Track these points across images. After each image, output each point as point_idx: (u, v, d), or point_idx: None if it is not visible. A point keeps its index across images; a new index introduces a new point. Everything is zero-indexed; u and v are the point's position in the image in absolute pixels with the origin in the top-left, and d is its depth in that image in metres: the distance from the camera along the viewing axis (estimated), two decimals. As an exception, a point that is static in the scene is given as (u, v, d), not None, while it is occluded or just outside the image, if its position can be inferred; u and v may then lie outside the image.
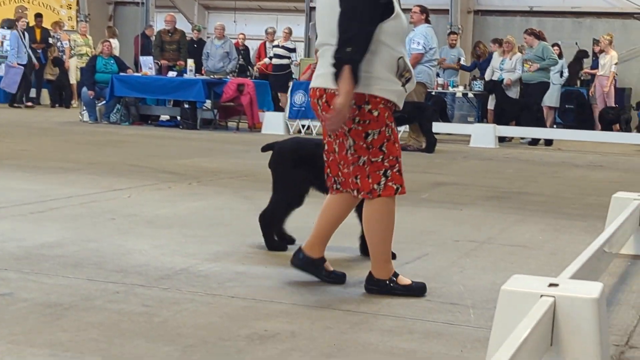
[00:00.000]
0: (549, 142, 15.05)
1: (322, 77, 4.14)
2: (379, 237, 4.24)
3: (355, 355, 3.26)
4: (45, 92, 21.12)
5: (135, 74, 16.49)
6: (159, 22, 20.96)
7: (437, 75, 15.51)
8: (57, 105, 20.59)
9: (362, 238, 4.92)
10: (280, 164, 5.21)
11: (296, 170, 5.11)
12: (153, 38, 18.77)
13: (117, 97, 15.85)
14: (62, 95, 20.75)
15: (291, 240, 5.29)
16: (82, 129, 14.63)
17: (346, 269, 4.61)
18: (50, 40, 20.78)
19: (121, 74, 16.07)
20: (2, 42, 20.72)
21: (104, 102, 16.03)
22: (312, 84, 4.28)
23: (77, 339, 3.29)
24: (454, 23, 20.87)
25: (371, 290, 4.22)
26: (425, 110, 12.46)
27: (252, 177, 8.82)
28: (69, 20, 24.15)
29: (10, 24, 20.53)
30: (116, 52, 17.55)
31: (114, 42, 17.80)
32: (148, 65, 16.38)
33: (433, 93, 15.48)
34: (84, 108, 16.40)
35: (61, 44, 20.64)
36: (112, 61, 16.29)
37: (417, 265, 4.94)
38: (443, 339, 3.52)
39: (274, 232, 5.24)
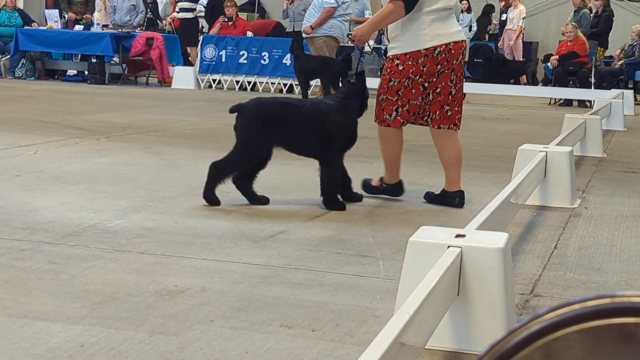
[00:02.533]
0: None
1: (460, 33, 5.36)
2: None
3: (266, 308, 3.26)
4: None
5: (41, 27, 16.03)
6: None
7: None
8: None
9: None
10: (245, 126, 5.16)
11: (260, 132, 5.10)
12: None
13: (22, 52, 15.42)
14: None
15: (265, 200, 5.28)
16: (-15, 84, 14.21)
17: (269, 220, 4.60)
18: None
19: (26, 27, 15.62)
20: None
21: (8, 56, 15.58)
22: (457, 38, 5.27)
23: (-19, 298, 3.22)
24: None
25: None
26: (333, 65, 12.46)
27: (162, 133, 8.72)
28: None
29: None
30: (20, 5, 17.04)
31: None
32: (54, 18, 15.96)
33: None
34: (-12, 62, 15.93)
35: None
36: (16, 14, 15.82)
37: (328, 217, 4.97)
38: (353, 291, 3.55)
39: (216, 184, 5.19)
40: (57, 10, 16.47)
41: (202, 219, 4.77)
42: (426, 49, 5.20)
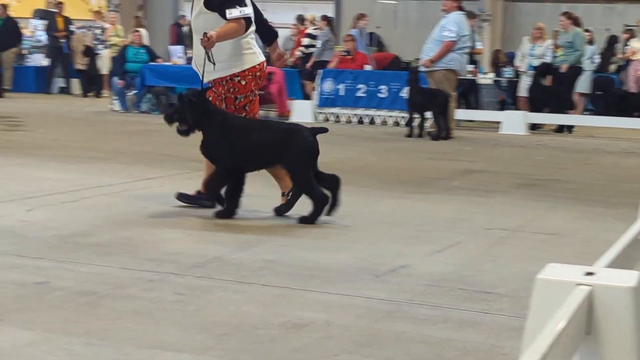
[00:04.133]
0: (569, 129, 14.95)
1: None
2: None
3: (390, 344, 3.25)
4: (76, 82, 21.26)
5: (166, 63, 16.53)
6: (189, 12, 21.00)
7: (472, 63, 15.45)
8: (88, 94, 20.71)
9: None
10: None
11: None
12: (186, 28, 18.81)
13: (147, 87, 15.91)
14: (93, 85, 20.86)
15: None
16: (113, 118, 14.71)
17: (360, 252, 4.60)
18: (74, 29, 20.91)
19: (151, 63, 16.13)
20: (33, 32, 20.86)
21: (134, 91, 16.10)
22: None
23: (112, 327, 3.32)
24: (484, 9, 20.73)
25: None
26: (439, 97, 12.42)
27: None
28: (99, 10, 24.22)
29: (42, 15, 20.67)
30: (145, 42, 17.61)
31: (143, 32, 17.86)
32: (177, 54, 16.43)
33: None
34: (115, 97, 16.49)
35: (101, 32, 20.66)
36: (142, 50, 16.34)
37: (449, 253, 4.93)
38: (478, 328, 3.50)
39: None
40: (181, 47, 16.95)
41: (323, 252, 4.80)
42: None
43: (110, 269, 4.21)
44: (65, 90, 21.06)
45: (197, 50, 5.87)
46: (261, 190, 6.48)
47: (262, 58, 5.98)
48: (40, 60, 20.57)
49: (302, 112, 15.53)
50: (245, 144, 5.62)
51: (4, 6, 20.32)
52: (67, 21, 20.86)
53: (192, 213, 5.82)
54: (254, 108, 5.92)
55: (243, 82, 5.83)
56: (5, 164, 7.91)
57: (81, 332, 3.24)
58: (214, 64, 5.59)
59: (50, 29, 20.31)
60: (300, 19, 18.28)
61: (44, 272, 4.11)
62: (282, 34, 20.12)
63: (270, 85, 15.40)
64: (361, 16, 16.13)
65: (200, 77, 5.80)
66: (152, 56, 16.41)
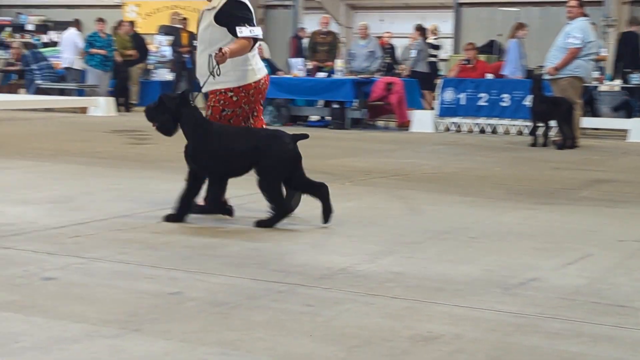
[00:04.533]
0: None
1: None
2: None
3: (523, 358, 3.19)
4: (201, 96, 21.73)
5: (286, 75, 16.73)
6: (307, 24, 21.19)
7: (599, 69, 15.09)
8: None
9: None
10: None
11: None
12: (306, 40, 19.00)
13: (269, 99, 16.13)
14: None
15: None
16: (235, 130, 14.97)
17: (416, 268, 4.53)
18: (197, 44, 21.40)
19: (272, 76, 16.34)
20: (158, 48, 21.45)
21: (256, 104, 16.33)
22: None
23: (245, 337, 3.37)
24: (609, 15, 20.20)
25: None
26: (562, 105, 12.15)
27: (404, 176, 8.81)
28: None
29: (167, 31, 21.24)
30: (266, 55, 17.87)
31: (264, 45, 18.13)
32: (298, 66, 16.62)
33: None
34: (235, 110, 16.78)
35: None
36: (265, 64, 16.58)
37: (581, 265, 4.81)
38: (614, 343, 3.41)
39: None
40: (301, 59, 17.14)
41: (450, 265, 4.76)
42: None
43: (240, 280, 4.28)
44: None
45: (201, 61, 6.10)
46: (380, 203, 6.48)
47: (260, 75, 6.18)
48: (165, 74, 21.12)
49: (422, 122, 15.48)
50: (226, 151, 5.80)
51: (131, 23, 21.00)
52: (191, 36, 21.36)
53: (317, 224, 5.86)
54: (237, 122, 6.09)
55: (234, 98, 6.04)
56: (135, 176, 8.16)
57: (215, 342, 3.30)
58: (214, 76, 5.81)
59: (175, 45, 20.85)
60: (420, 29, 18.20)
61: (177, 282, 4.20)
62: (400, 44, 20.15)
63: (390, 95, 15.41)
64: (520, 26, 15.68)
65: (201, 86, 6.04)
66: (273, 69, 16.64)
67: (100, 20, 19.33)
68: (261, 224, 5.76)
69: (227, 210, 6.06)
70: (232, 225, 5.78)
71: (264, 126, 6.34)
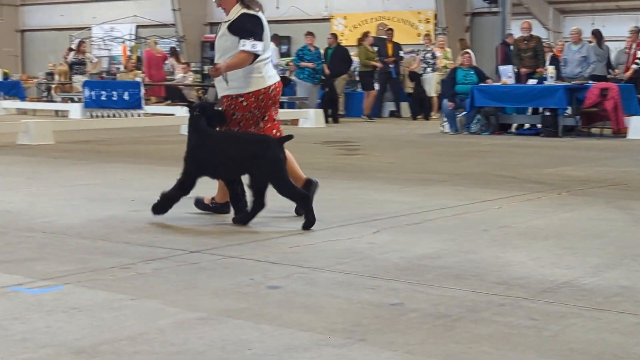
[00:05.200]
0: None
1: None
2: None
3: None
4: (405, 105, 21.90)
5: (495, 83, 16.50)
6: (515, 30, 20.84)
7: None
8: (417, 117, 21.22)
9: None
10: None
11: None
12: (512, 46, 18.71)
13: (477, 108, 15.99)
14: (421, 108, 21.34)
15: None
16: (443, 140, 14.94)
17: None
18: (403, 54, 21.54)
19: (481, 84, 16.18)
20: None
21: (464, 112, 16.23)
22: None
23: (470, 351, 3.33)
24: None
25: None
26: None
27: (624, 186, 8.47)
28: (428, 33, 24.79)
29: (373, 42, 21.50)
30: (474, 63, 17.70)
31: (472, 53, 17.97)
32: (507, 74, 16.35)
33: None
34: (445, 119, 16.72)
35: (431, 55, 21.12)
36: (472, 72, 16.45)
37: None
38: None
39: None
40: (510, 66, 16.86)
41: (682, 279, 4.52)
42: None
43: (460, 292, 4.25)
44: (394, 114, 21.79)
45: None
46: (600, 214, 6.23)
47: (271, 82, 6.45)
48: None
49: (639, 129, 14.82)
50: (220, 156, 6.16)
51: (334, 35, 21.42)
52: (397, 47, 21.55)
53: (534, 236, 5.73)
54: (247, 125, 6.42)
55: (244, 103, 6.38)
56: (347, 187, 8.29)
57: (440, 354, 3.29)
58: (227, 82, 6.31)
59: (380, 55, 21.08)
60: (636, 31, 17.45)
61: (397, 293, 4.23)
62: (614, 47, 19.40)
63: (605, 101, 14.87)
64: None
65: (217, 92, 6.53)
66: (482, 77, 16.46)
67: (310, 34, 19.85)
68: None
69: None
70: (449, 236, 5.74)
71: (278, 129, 6.58)
